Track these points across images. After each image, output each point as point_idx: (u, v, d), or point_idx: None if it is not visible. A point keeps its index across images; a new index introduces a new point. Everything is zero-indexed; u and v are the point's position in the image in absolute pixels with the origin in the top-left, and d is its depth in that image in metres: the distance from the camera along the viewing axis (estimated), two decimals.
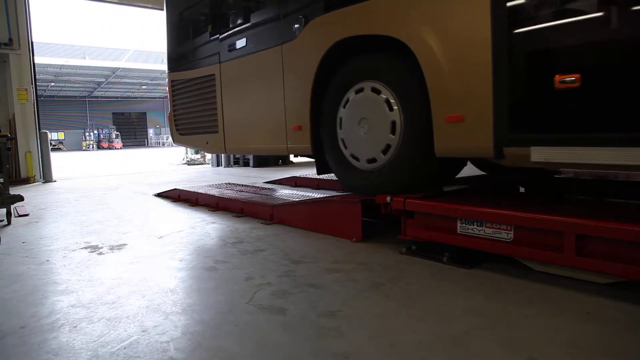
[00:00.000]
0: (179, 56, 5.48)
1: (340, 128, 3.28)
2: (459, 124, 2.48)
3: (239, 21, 4.30)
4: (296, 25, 3.57)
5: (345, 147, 3.25)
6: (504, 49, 2.26)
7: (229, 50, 4.45)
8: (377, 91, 2.99)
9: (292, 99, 3.70)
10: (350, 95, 3.18)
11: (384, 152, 2.96)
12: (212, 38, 4.74)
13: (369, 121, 3.05)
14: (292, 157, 11.58)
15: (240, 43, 4.29)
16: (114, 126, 42.40)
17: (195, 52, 5.08)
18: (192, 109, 5.19)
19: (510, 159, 2.39)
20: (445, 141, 2.58)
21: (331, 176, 6.57)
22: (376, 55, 3.04)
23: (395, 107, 2.88)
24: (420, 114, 2.70)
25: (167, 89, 5.79)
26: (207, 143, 4.99)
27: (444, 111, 2.54)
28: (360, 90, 3.10)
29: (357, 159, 3.16)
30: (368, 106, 3.06)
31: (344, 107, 3.23)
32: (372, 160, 3.06)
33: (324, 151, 3.51)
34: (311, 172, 7.48)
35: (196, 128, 5.15)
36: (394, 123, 2.88)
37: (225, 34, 4.51)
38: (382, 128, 2.96)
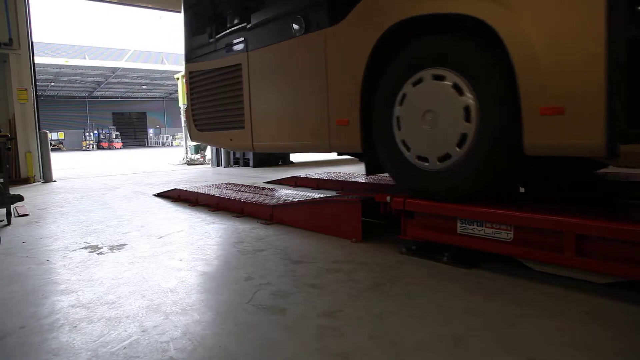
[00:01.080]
0: (198, 45, 4.91)
1: (399, 128, 2.81)
2: (559, 116, 2.13)
3: (272, 3, 3.83)
4: (342, 5, 3.15)
5: (408, 149, 2.77)
6: (622, 28, 1.93)
7: (259, 37, 3.97)
8: (440, 77, 2.59)
9: (337, 90, 3.25)
10: (407, 89, 2.75)
11: (459, 144, 2.52)
12: (238, 24, 4.23)
13: (435, 113, 2.62)
14: (292, 157, 11.59)
15: (273, 28, 3.82)
16: (114, 126, 42.40)
17: (218, 40, 4.54)
18: (214, 103, 4.71)
19: (628, 159, 2.08)
20: (538, 136, 2.21)
21: (331, 176, 6.58)
22: (446, 38, 2.60)
23: (467, 94, 2.46)
24: (503, 104, 2.35)
25: (185, 81, 5.22)
26: (231, 140, 4.51)
27: (537, 102, 2.19)
28: (419, 81, 2.68)
29: (426, 160, 2.68)
30: (432, 96, 2.63)
31: (401, 104, 2.79)
32: (445, 157, 2.60)
33: (377, 151, 3.05)
34: (311, 172, 7.49)
35: (218, 124, 4.69)
36: (467, 109, 2.46)
37: (255, 19, 4.02)
38: (453, 116, 2.53)
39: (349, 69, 3.14)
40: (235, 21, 4.28)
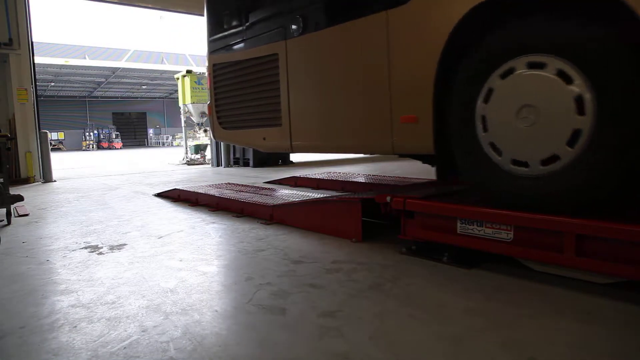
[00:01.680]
0: (224, 34, 4.42)
1: (485, 129, 2.38)
2: None
3: None
4: None
5: (499, 153, 2.34)
6: None
7: (301, 23, 3.51)
8: (538, 65, 2.19)
9: (403, 82, 2.82)
10: (494, 82, 2.34)
11: (570, 142, 2.10)
12: (274, 9, 3.81)
13: (536, 108, 2.20)
14: (292, 157, 11.59)
15: (318, 12, 3.40)
16: (114, 126, 42.41)
17: (249, 27, 4.10)
18: (243, 98, 4.24)
19: None
20: None
21: (331, 176, 6.58)
22: (549, 17, 2.18)
23: (578, 81, 2.07)
24: (629, 92, 1.97)
25: (207, 74, 4.78)
26: (264, 139, 4.06)
27: None
28: (509, 72, 2.28)
29: (524, 165, 2.27)
30: (531, 88, 2.22)
31: (486, 100, 2.37)
32: (551, 160, 2.18)
33: (454, 154, 2.62)
34: (311, 172, 7.49)
35: (248, 121, 4.24)
36: (579, 100, 2.05)
37: (295, 2, 3.59)
38: (561, 110, 2.12)
39: (419, 56, 2.69)
40: (271, 6, 3.85)
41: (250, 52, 4.09)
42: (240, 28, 4.21)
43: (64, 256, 3.02)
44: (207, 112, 4.90)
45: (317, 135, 3.61)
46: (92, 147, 38.52)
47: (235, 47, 4.28)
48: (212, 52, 4.64)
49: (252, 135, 4.26)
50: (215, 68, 4.59)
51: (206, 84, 11.98)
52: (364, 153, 3.51)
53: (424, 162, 3.61)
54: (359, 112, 3.18)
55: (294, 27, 3.59)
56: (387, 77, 2.91)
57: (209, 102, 4.80)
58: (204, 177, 8.56)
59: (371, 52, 3.00)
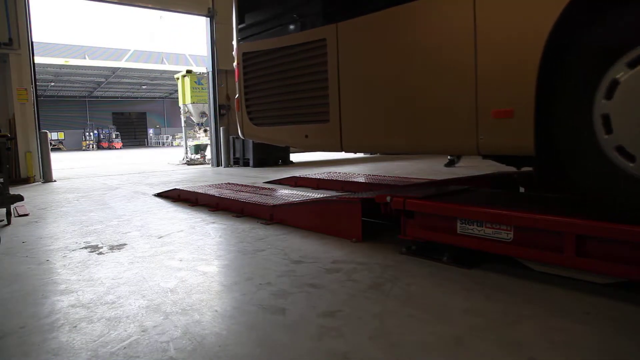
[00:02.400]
0: (257, 18, 4.00)
1: (609, 131, 1.96)
2: None
3: None
4: None
5: (631, 159, 1.93)
6: None
7: (356, 3, 3.13)
8: None
9: (495, 69, 2.38)
10: (620, 73, 1.90)
11: None
12: None
13: None
14: (292, 157, 11.59)
15: None
16: (114, 126, 42.36)
17: (288, 10, 3.68)
18: (280, 90, 3.78)
19: None
20: None
21: (331, 176, 6.57)
22: None
23: None
24: None
25: (235, 64, 4.28)
26: (305, 137, 3.60)
27: None
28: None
29: None
30: None
31: (609, 96, 1.94)
32: None
33: (562, 158, 2.22)
34: (311, 172, 7.49)
35: (285, 116, 3.78)
36: None
37: None
38: None
39: (519, 34, 2.23)
40: None
41: (291, 38, 3.57)
42: (278, 11, 3.76)
43: (64, 256, 3.02)
44: (235, 106, 4.36)
45: (377, 132, 3.11)
46: (92, 147, 38.50)
47: (272, 33, 3.78)
48: (241, 39, 4.14)
49: (290, 132, 3.76)
50: (245, 58, 4.08)
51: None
52: (438, 153, 3.13)
53: (508, 163, 3.21)
54: (432, 105, 2.71)
55: (346, 7, 3.14)
56: (472, 63, 2.46)
57: (236, 96, 4.31)
58: (204, 177, 8.56)
59: (451, 33, 2.55)
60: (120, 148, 38.24)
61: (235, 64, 4.30)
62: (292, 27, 3.62)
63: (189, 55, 34.44)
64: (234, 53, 4.29)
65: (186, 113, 13.77)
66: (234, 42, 4.25)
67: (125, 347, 1.66)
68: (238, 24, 4.22)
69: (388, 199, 2.83)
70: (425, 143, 2.86)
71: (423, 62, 2.76)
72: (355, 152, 3.50)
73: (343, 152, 3.44)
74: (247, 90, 4.17)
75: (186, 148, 13.81)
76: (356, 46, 3.14)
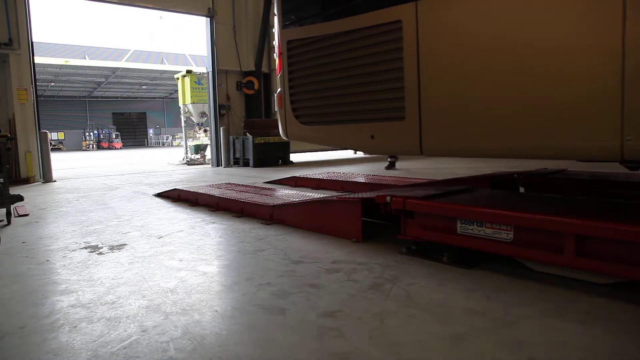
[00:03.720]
0: (308, 0, 3.51)
1: None
2: None
3: None
4: None
5: None
6: None
7: None
8: None
9: None
10: None
11: None
12: None
13: None
14: (292, 157, 11.59)
15: None
16: (114, 126, 42.37)
17: None
18: (337, 83, 3.26)
19: None
20: None
21: (331, 176, 6.58)
22: None
23: None
24: None
25: (277, 54, 3.77)
26: (371, 137, 3.10)
27: None
28: None
29: None
30: None
31: None
32: None
33: None
34: (311, 172, 7.49)
35: (344, 113, 3.25)
36: None
37: None
38: None
39: None
40: None
41: (353, 21, 3.06)
42: None
43: (64, 256, 3.02)
44: (277, 102, 3.82)
45: (477, 133, 2.57)
46: (92, 147, 38.50)
47: (327, 16, 3.29)
48: (286, 25, 3.62)
49: (350, 132, 3.25)
50: (291, 46, 3.57)
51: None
52: (562, 158, 2.49)
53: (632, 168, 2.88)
54: (557, 98, 2.22)
55: None
56: (619, 41, 1.97)
57: (278, 91, 3.80)
58: (204, 177, 8.56)
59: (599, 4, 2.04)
60: (120, 148, 38.24)
61: (276, 54, 3.76)
62: (355, 7, 3.09)
63: (189, 55, 34.44)
64: (274, 42, 3.78)
65: (186, 113, 13.77)
66: (276, 29, 3.69)
67: (125, 347, 1.66)
68: (282, 7, 3.65)
69: (388, 199, 2.83)
70: (545, 146, 2.34)
71: (539, 42, 2.23)
72: (439, 156, 2.88)
73: (423, 156, 2.95)
74: (293, 84, 3.61)
75: (186, 148, 13.81)
76: (446, 28, 2.62)
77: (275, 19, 3.72)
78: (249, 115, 11.89)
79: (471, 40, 2.54)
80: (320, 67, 3.36)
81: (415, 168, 8.85)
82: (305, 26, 3.46)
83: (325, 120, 3.42)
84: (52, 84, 35.09)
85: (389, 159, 9.15)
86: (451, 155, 2.90)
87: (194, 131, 14.81)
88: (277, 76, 3.78)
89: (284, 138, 3.90)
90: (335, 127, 3.36)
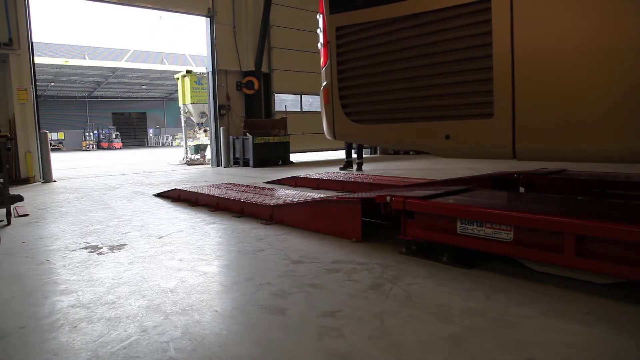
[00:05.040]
0: None
1: None
2: None
3: None
4: None
5: None
6: None
7: None
8: None
9: None
10: None
11: None
12: None
13: None
14: (292, 157, 11.59)
15: None
16: (113, 126, 42.37)
17: None
18: (400, 74, 2.82)
19: None
20: None
21: (331, 176, 6.58)
22: None
23: None
24: None
25: (322, 43, 3.30)
26: (447, 138, 2.66)
27: None
28: None
29: None
30: None
31: None
32: None
33: None
34: (311, 172, 7.49)
35: (410, 109, 2.82)
36: None
37: None
38: None
39: None
40: None
41: (426, 2, 2.65)
42: None
43: (63, 256, 3.02)
44: (322, 97, 3.35)
45: (589, 132, 2.13)
46: (92, 147, 38.49)
47: None
48: (335, 10, 3.17)
49: (419, 131, 2.82)
50: (341, 33, 3.13)
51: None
52: None
53: None
54: None
55: None
56: None
57: (323, 85, 3.34)
58: (204, 177, 8.56)
59: None
60: (120, 148, 38.24)
61: (320, 43, 3.31)
62: None
63: (189, 55, 34.43)
64: (318, 30, 3.31)
65: (186, 113, 13.77)
66: (320, 16, 3.25)
67: (125, 347, 1.66)
68: None
69: (388, 199, 2.83)
70: None
71: None
72: (539, 160, 2.46)
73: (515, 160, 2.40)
74: (343, 77, 3.16)
75: (186, 148, 13.81)
76: (548, 6, 2.19)
77: (322, 3, 3.24)
78: (249, 115, 11.89)
79: (586, 19, 2.09)
80: (381, 57, 2.90)
81: (413, 168, 8.84)
82: (361, 9, 3.00)
83: (385, 117, 2.96)
84: (52, 84, 35.09)
85: (346, 159, 9.06)
86: (552, 159, 2.43)
87: (194, 131, 14.81)
88: (322, 69, 3.32)
89: (329, 138, 3.41)
90: (398, 125, 2.91)
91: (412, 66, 2.77)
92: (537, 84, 2.27)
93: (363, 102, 3.09)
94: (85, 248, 3.22)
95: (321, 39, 3.29)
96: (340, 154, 14.09)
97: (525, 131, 2.33)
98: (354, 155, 8.91)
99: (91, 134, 39.88)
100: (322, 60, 3.33)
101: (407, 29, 2.76)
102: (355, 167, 8.87)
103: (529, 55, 2.27)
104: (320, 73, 3.40)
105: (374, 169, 9.21)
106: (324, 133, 3.48)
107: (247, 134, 10.82)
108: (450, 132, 2.65)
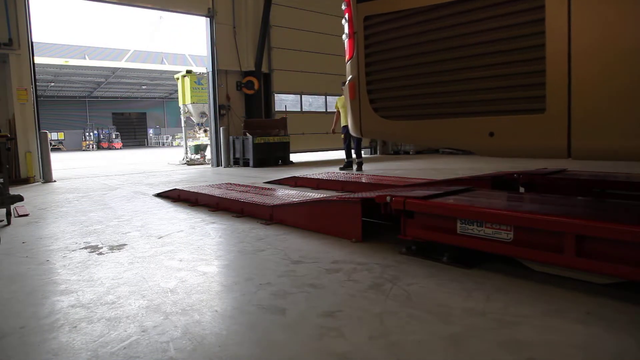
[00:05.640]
0: None
1: None
2: None
3: None
4: None
5: None
6: None
7: None
8: None
9: None
10: None
11: None
12: None
13: None
14: (292, 157, 11.59)
15: None
16: (113, 126, 42.37)
17: None
18: (439, 66, 2.60)
19: None
20: None
21: (331, 176, 6.58)
22: None
23: None
24: None
25: (347, 33, 3.06)
26: (490, 135, 2.45)
27: None
28: None
29: None
30: None
31: None
32: None
33: None
34: (311, 172, 7.49)
35: (448, 104, 2.61)
36: None
37: None
38: None
39: None
40: None
41: None
42: None
43: (63, 256, 3.02)
44: (347, 93, 3.15)
45: None
46: (92, 147, 38.49)
47: None
48: None
49: (458, 128, 2.60)
50: (370, 23, 2.92)
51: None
52: None
53: None
54: None
55: None
56: None
57: (349, 79, 3.11)
58: (204, 177, 8.56)
59: None
60: (120, 148, 38.24)
61: (345, 34, 3.09)
62: None
63: (189, 55, 34.43)
64: (343, 21, 3.10)
65: (186, 113, 13.77)
66: (345, 5, 3.07)
67: (125, 348, 1.66)
68: None
69: (388, 199, 2.83)
70: None
71: None
72: (599, 159, 2.24)
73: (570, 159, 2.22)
74: (371, 70, 2.95)
75: (186, 148, 13.81)
76: None
77: None
78: (249, 115, 11.89)
79: None
80: (416, 47, 2.69)
81: (412, 168, 8.85)
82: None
83: (418, 113, 2.76)
84: (52, 84, 35.09)
85: (346, 159, 9.01)
86: (610, 159, 2.20)
87: (194, 131, 14.81)
88: (347, 62, 3.10)
89: (356, 135, 3.22)
90: (433, 122, 2.70)
91: (448, 58, 2.54)
92: (599, 76, 2.04)
93: (394, 97, 2.88)
94: (85, 248, 3.22)
95: (346, 30, 3.06)
96: (340, 154, 14.09)
97: (583, 128, 2.09)
98: (354, 155, 8.92)
99: (91, 134, 39.87)
100: (347, 52, 3.10)
101: (448, 17, 2.53)
102: (355, 167, 8.88)
103: (589, 43, 2.04)
104: (345, 67, 3.16)
105: (374, 169, 9.21)
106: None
107: (247, 134, 10.82)
108: (494, 128, 2.44)
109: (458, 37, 2.50)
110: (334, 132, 9.33)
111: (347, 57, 3.10)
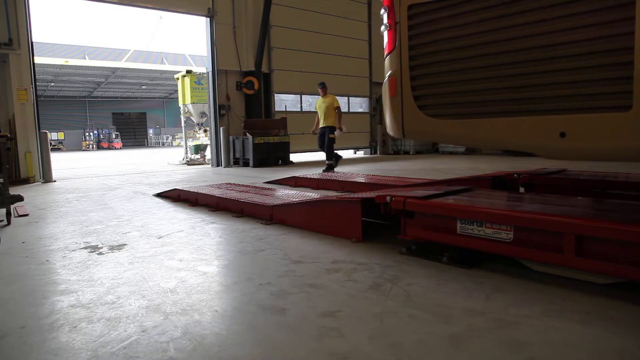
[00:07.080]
0: None
1: None
2: None
3: None
4: None
5: None
6: None
7: None
8: None
9: None
10: None
11: None
12: None
13: None
14: (292, 157, 11.59)
15: None
16: (113, 126, 42.36)
17: None
18: (499, 59, 2.36)
19: None
20: None
21: (331, 176, 6.58)
22: None
23: None
24: None
25: (386, 23, 2.80)
26: (561, 136, 2.22)
27: None
28: None
29: None
30: None
31: None
32: None
33: None
34: (311, 172, 7.49)
35: (510, 101, 2.36)
36: None
37: None
38: None
39: None
40: None
41: None
42: None
43: (63, 256, 3.02)
44: (387, 89, 2.88)
45: None
46: (92, 147, 38.48)
47: None
48: None
49: (521, 128, 2.35)
50: (414, 12, 2.67)
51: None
52: None
53: None
54: None
55: None
56: None
57: (389, 74, 2.86)
58: (204, 177, 8.56)
59: None
60: (120, 148, 38.24)
61: (385, 25, 2.83)
62: None
63: (189, 55, 34.42)
64: (382, 10, 2.84)
65: (186, 113, 13.76)
66: None
67: (125, 347, 1.66)
68: None
69: (388, 199, 2.83)
70: None
71: None
72: None
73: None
74: (416, 64, 2.69)
75: (186, 148, 13.80)
76: None
77: None
78: (249, 115, 11.89)
79: None
80: (471, 38, 2.44)
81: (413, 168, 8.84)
82: None
83: (473, 111, 2.49)
84: (52, 84, 35.08)
85: (327, 162, 8.66)
86: None
87: (194, 131, 14.79)
88: (386, 56, 2.85)
89: (395, 136, 2.94)
90: (492, 121, 2.45)
91: (517, 49, 2.28)
92: None
93: (443, 94, 2.61)
94: (85, 248, 3.22)
95: (386, 20, 2.78)
96: (341, 154, 14.09)
97: None
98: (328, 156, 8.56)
99: (91, 134, 39.87)
100: (386, 45, 2.82)
101: (514, 3, 2.27)
102: (325, 168, 8.54)
103: None
104: (384, 61, 2.91)
105: (374, 169, 9.21)
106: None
107: (247, 134, 10.82)
108: (566, 128, 2.18)
109: (527, 26, 2.24)
110: (314, 133, 9.05)
111: (386, 50, 2.84)
